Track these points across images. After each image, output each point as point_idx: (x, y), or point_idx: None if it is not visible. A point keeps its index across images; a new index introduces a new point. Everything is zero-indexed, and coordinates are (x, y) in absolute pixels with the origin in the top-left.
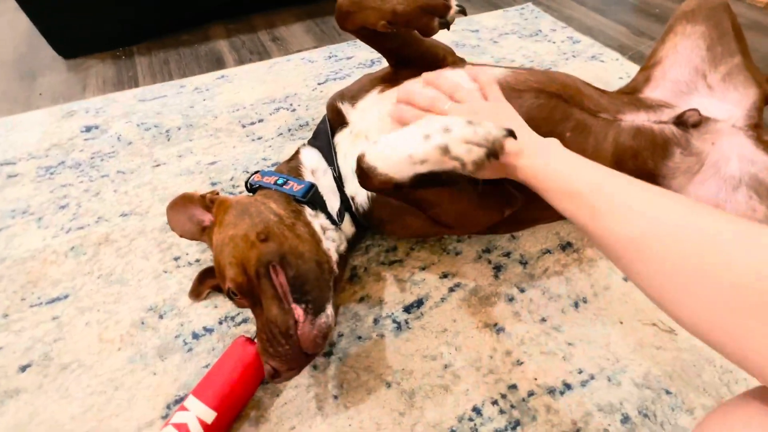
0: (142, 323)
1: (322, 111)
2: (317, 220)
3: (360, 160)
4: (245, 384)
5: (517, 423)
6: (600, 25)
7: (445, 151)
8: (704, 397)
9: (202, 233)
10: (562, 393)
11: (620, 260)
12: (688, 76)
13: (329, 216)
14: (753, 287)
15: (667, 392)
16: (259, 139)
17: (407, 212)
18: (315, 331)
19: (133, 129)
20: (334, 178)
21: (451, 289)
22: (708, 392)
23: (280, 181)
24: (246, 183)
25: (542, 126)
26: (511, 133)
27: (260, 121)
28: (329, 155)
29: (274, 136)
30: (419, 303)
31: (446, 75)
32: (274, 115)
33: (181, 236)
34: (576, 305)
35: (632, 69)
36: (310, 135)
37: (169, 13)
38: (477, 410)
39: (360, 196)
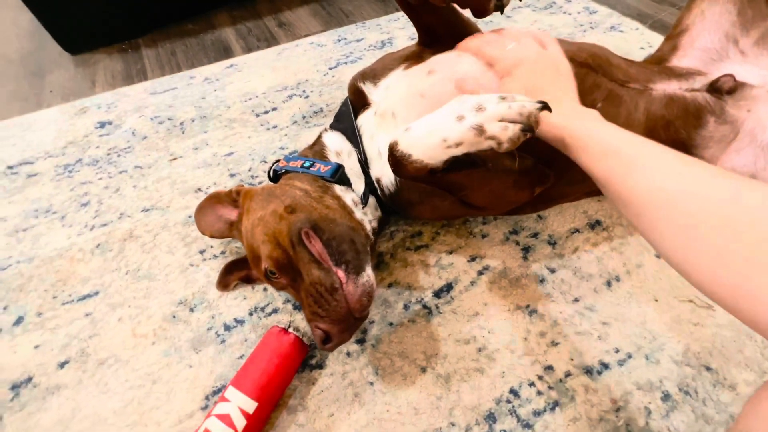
0: (174, 317)
1: (335, 96)
2: (348, 195)
3: (392, 149)
4: (282, 373)
5: (556, 404)
6: None
7: (480, 131)
8: (746, 372)
9: (231, 229)
10: (599, 372)
11: (645, 216)
12: (718, 42)
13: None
14: None
15: (708, 368)
16: (274, 128)
17: (435, 194)
18: (359, 290)
19: (147, 123)
20: (359, 160)
21: (480, 272)
22: (750, 367)
23: (306, 164)
24: (269, 172)
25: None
26: (545, 106)
27: (274, 109)
28: (353, 137)
29: (289, 125)
30: (449, 287)
31: (510, 31)
32: (288, 102)
33: (211, 237)
34: (609, 284)
35: (654, 38)
36: (325, 121)
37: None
38: (514, 392)
39: (386, 177)
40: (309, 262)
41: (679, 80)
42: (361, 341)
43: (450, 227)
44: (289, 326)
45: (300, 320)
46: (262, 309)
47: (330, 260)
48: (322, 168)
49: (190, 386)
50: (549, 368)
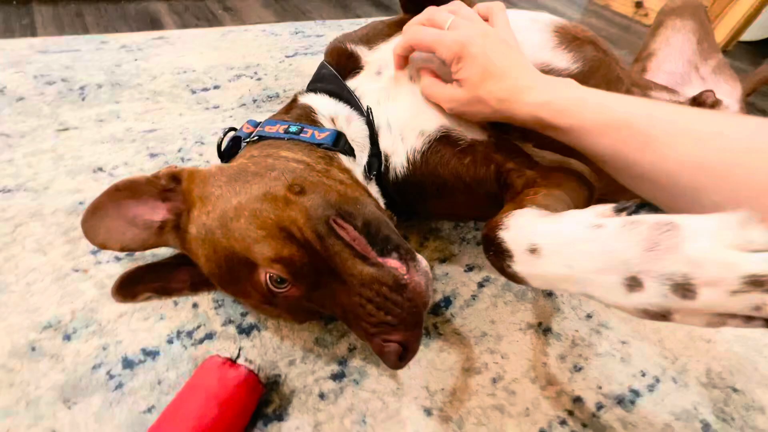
0: (33, 349)
1: (296, 83)
2: (357, 168)
3: (501, 252)
4: (226, 427)
5: None
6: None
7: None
8: None
9: (161, 234)
10: (632, 402)
11: (685, 190)
12: (682, 67)
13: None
14: None
15: (734, 390)
16: (216, 108)
17: (461, 189)
18: (424, 280)
19: (26, 81)
20: (368, 125)
21: (481, 285)
22: None
23: (293, 129)
24: (219, 144)
25: (601, 85)
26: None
27: (216, 87)
28: (351, 100)
29: (236, 107)
30: (447, 302)
31: (446, 6)
32: (235, 82)
33: (121, 250)
34: None
35: None
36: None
37: None
38: None
39: (397, 156)
40: (351, 257)
41: (667, 92)
42: (338, 376)
43: (440, 232)
44: (238, 356)
45: (251, 348)
46: (189, 334)
47: (373, 251)
48: (317, 134)
49: None
50: (578, 400)
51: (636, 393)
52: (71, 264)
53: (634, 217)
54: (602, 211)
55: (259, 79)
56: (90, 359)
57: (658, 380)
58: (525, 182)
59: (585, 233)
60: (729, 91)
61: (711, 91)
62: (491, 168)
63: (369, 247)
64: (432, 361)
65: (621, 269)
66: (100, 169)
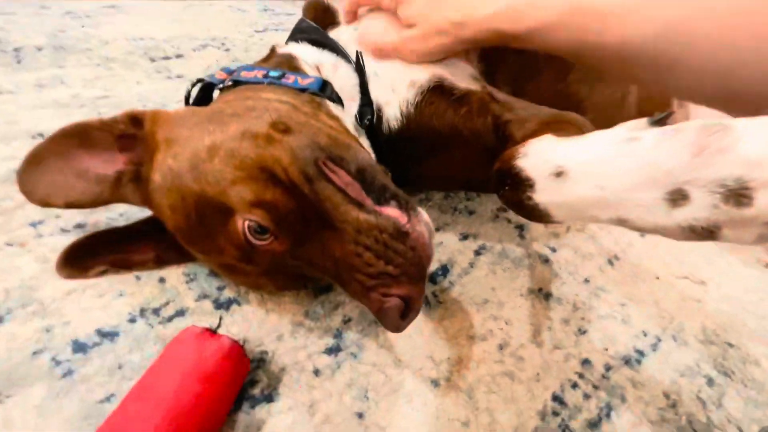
0: None
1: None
2: (347, 117)
3: (518, 183)
4: (207, 409)
5: (609, 407)
6: None
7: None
8: (762, 347)
9: (117, 188)
10: (638, 362)
11: (657, 60)
12: None
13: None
14: None
15: (730, 345)
16: (179, 77)
17: (460, 143)
18: (426, 230)
19: None
20: (357, 71)
21: (477, 252)
22: (761, 341)
23: (273, 74)
24: (187, 94)
25: None
26: None
27: (179, 56)
28: (335, 48)
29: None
30: (444, 270)
31: None
32: (200, 52)
33: (67, 206)
34: (611, 263)
35: None
36: None
37: None
38: (558, 399)
39: (390, 107)
40: (344, 202)
41: None
42: (333, 350)
43: (430, 201)
44: (219, 325)
45: (231, 324)
46: (156, 311)
47: (368, 197)
48: (300, 80)
49: None
50: (586, 362)
51: (641, 353)
52: (4, 238)
53: (677, 124)
54: (635, 125)
55: (227, 50)
56: (29, 344)
57: (659, 339)
58: (524, 134)
59: (619, 148)
60: None
61: None
62: (488, 119)
63: (364, 193)
64: (435, 330)
65: (663, 181)
66: (41, 135)
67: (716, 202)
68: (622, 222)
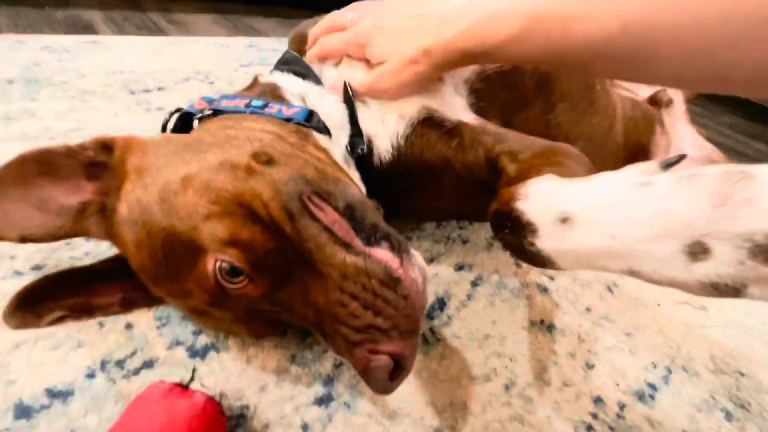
0: None
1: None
2: (336, 149)
3: (520, 229)
4: None
5: None
6: None
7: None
8: None
9: (80, 220)
10: (652, 397)
11: (628, 52)
12: None
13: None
14: None
15: (741, 374)
16: (159, 110)
17: (448, 174)
18: (420, 277)
19: None
20: (346, 102)
21: (474, 283)
22: None
23: (257, 103)
24: (164, 125)
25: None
26: None
27: (160, 89)
28: (320, 82)
29: None
30: (441, 304)
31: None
32: (182, 84)
33: (21, 240)
34: (610, 290)
35: None
36: None
37: None
38: None
39: (381, 139)
40: (331, 243)
41: (626, 90)
42: (324, 400)
43: (422, 231)
44: (192, 379)
45: (207, 374)
46: (119, 363)
47: (357, 237)
48: (285, 110)
49: None
50: (599, 400)
51: (653, 387)
52: None
53: (693, 169)
54: (645, 168)
55: (211, 83)
56: None
57: (669, 371)
58: (519, 168)
59: (630, 193)
60: (674, 91)
61: (664, 90)
62: (479, 151)
63: (353, 232)
64: (434, 372)
65: (681, 233)
66: None
67: (742, 258)
68: (633, 274)
